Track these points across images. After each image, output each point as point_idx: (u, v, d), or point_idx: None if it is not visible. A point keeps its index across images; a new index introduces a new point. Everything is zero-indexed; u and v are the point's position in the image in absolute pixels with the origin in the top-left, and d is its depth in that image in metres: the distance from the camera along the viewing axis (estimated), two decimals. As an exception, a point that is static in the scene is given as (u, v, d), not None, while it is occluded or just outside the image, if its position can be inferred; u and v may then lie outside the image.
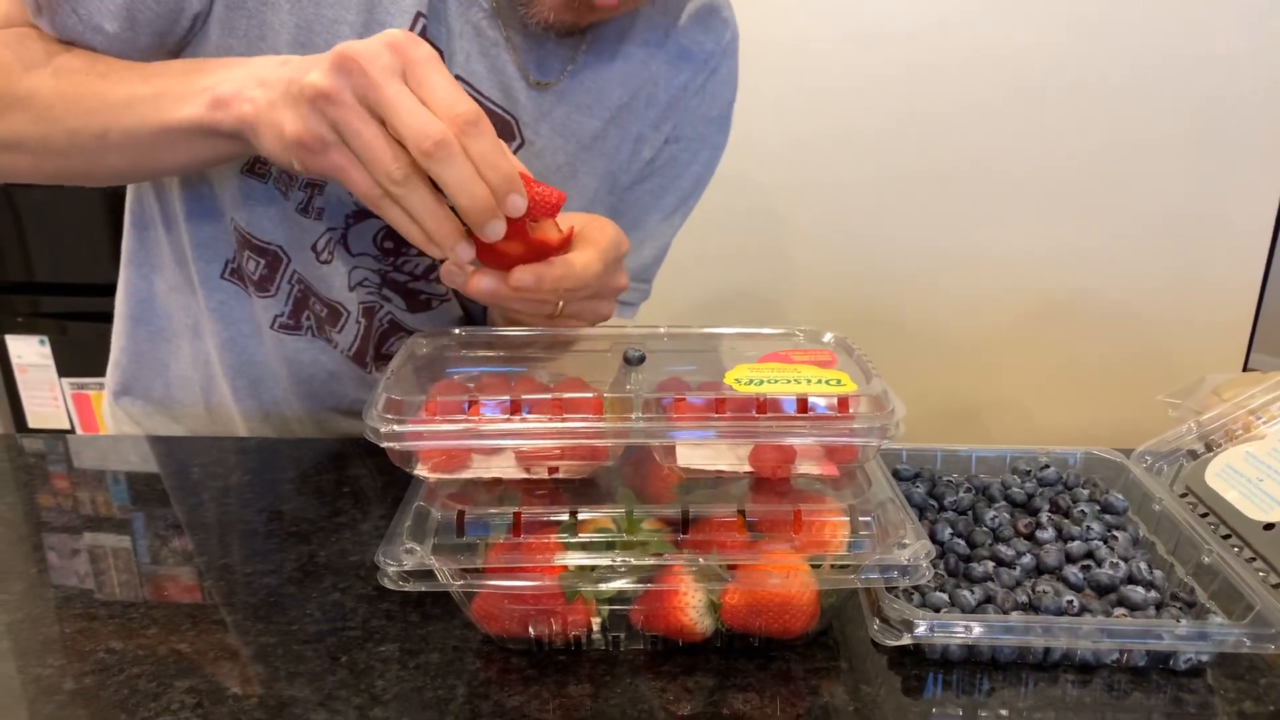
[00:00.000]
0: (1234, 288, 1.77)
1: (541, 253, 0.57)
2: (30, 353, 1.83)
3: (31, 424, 1.91)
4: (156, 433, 0.90)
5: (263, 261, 0.77)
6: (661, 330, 0.66)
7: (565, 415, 0.51)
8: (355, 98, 0.50)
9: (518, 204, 0.52)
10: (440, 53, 0.69)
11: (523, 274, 0.56)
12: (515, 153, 0.76)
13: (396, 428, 0.50)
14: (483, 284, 0.57)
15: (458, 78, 0.71)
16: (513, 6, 0.69)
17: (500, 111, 0.74)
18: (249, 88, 0.56)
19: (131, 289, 0.86)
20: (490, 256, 0.56)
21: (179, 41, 0.68)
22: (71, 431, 1.90)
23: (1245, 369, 1.82)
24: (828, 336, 0.64)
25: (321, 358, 0.83)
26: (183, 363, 0.87)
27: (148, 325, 0.86)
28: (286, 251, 0.77)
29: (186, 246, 0.79)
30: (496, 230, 0.53)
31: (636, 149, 0.81)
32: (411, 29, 0.67)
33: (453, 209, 0.53)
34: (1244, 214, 1.72)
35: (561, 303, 0.61)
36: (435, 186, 0.52)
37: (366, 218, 0.75)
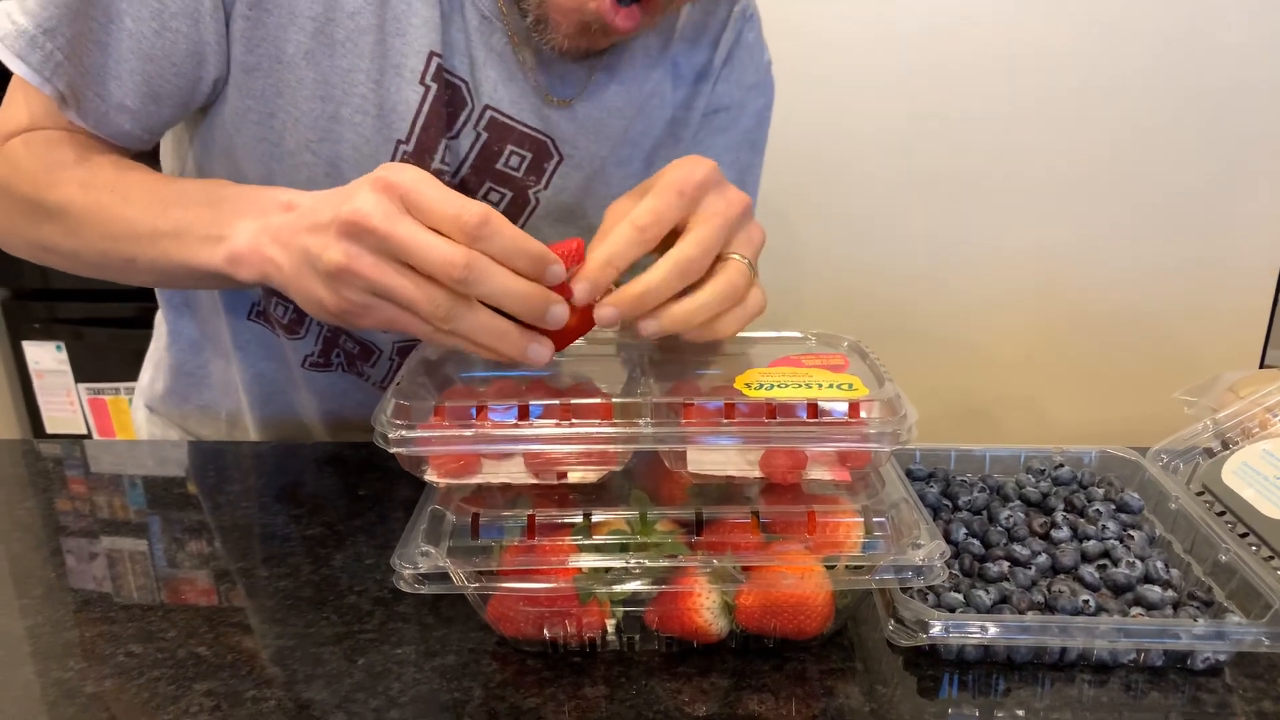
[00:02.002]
0: (1249, 284, 1.75)
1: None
2: (47, 359, 1.85)
3: (49, 429, 1.93)
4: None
5: (290, 306, 0.78)
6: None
7: (574, 420, 0.51)
8: (374, 256, 0.50)
9: (557, 273, 0.52)
10: (465, 85, 0.70)
11: (605, 310, 0.54)
12: (555, 169, 0.76)
13: (405, 433, 0.51)
14: (607, 316, 0.54)
15: (487, 106, 0.71)
16: (529, 31, 0.69)
17: (535, 133, 0.74)
18: (265, 245, 0.56)
19: (165, 319, 0.88)
20: (556, 335, 0.56)
21: (200, 107, 0.70)
22: (88, 436, 1.91)
23: (1262, 365, 1.81)
24: (841, 340, 0.64)
25: (352, 390, 0.84)
26: (213, 389, 0.88)
27: (179, 349, 0.88)
28: None
29: (213, 292, 0.81)
30: (558, 316, 0.52)
31: (671, 130, 0.81)
32: (425, 69, 0.68)
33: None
34: (1258, 209, 1.71)
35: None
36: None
37: None
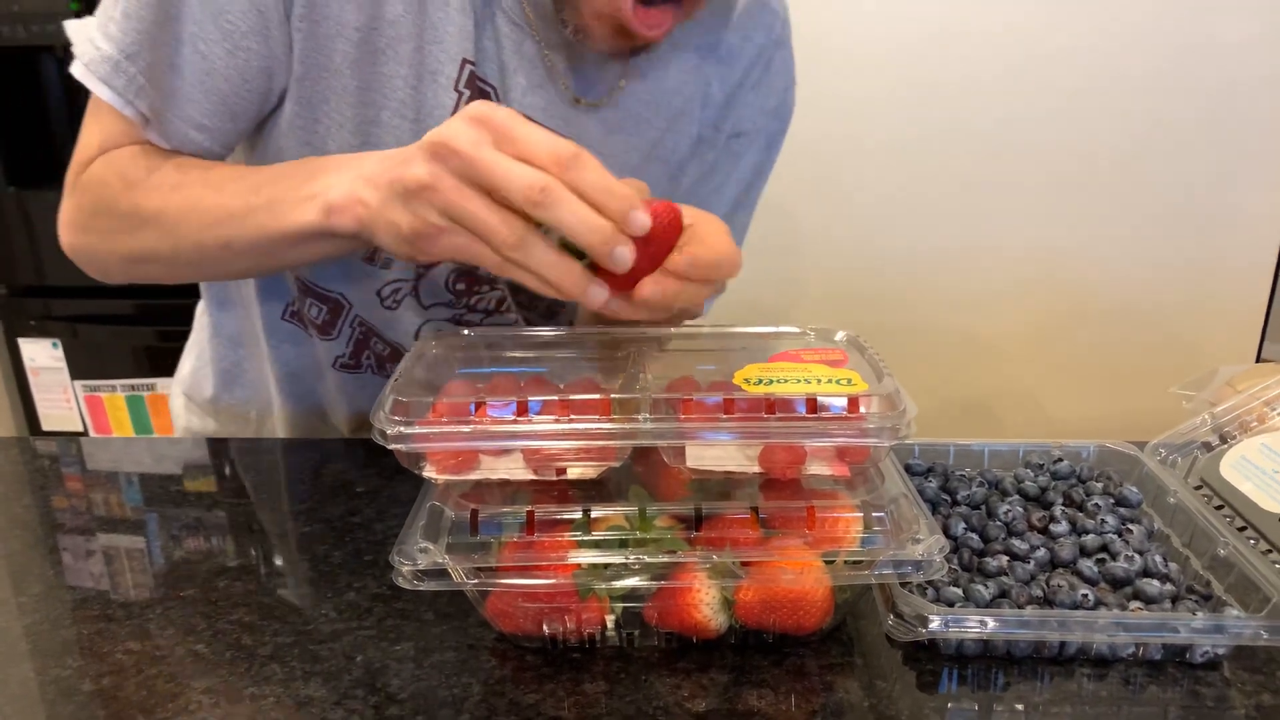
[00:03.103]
0: (1246, 278, 1.75)
1: (659, 261, 0.57)
2: (43, 356, 1.85)
3: (45, 426, 1.93)
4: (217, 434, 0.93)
5: (325, 308, 0.79)
6: (671, 329, 0.66)
7: (573, 416, 0.51)
8: (456, 178, 0.52)
9: (641, 219, 0.52)
10: (494, 91, 0.71)
11: (679, 259, 0.56)
12: None
13: (403, 429, 0.51)
14: (646, 291, 0.56)
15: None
16: (560, 35, 0.70)
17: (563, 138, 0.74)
18: (359, 188, 0.57)
19: (206, 312, 0.90)
20: (620, 283, 0.56)
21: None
22: (85, 433, 1.91)
23: (1259, 359, 1.81)
24: (839, 335, 0.64)
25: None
26: (245, 387, 0.90)
27: (218, 345, 0.89)
28: (349, 299, 0.79)
29: (251, 287, 0.82)
30: (624, 257, 0.52)
31: (697, 149, 0.81)
32: (459, 75, 0.69)
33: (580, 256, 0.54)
34: (1255, 204, 1.71)
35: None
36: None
37: (435, 264, 0.76)
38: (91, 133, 0.69)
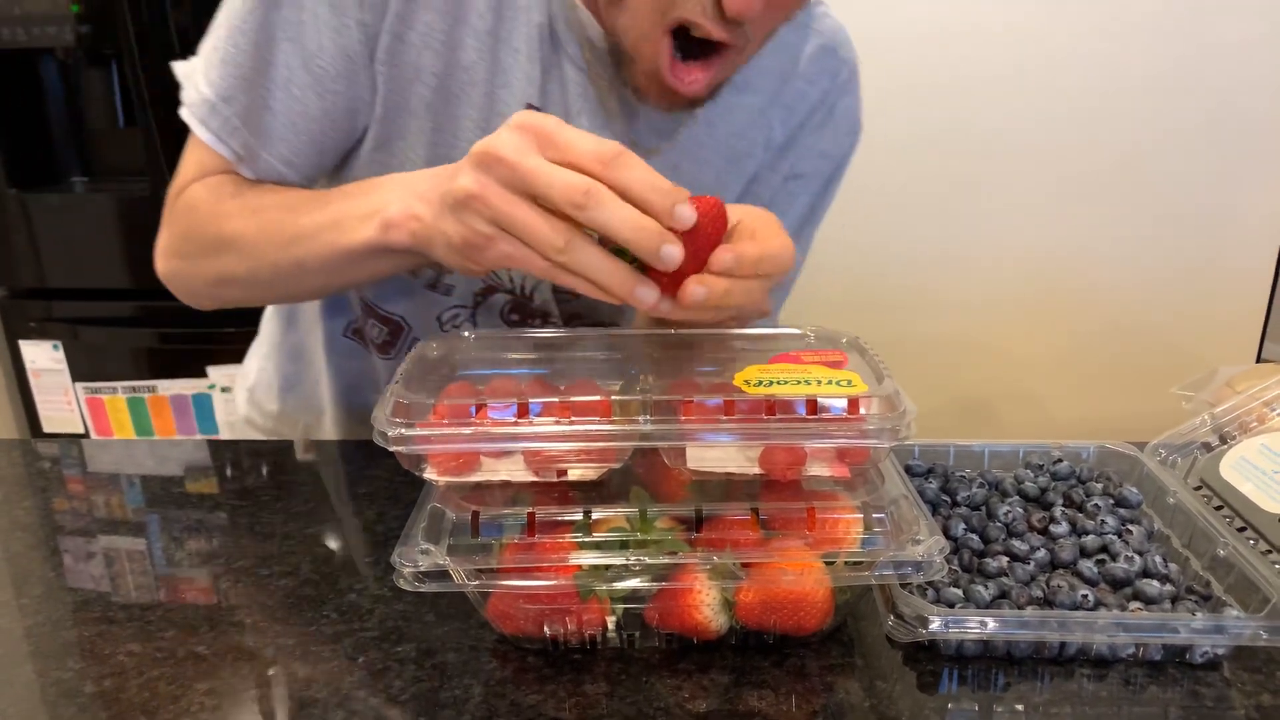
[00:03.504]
0: (1246, 278, 1.75)
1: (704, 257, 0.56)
2: (44, 358, 1.85)
3: (46, 429, 1.93)
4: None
5: (386, 329, 0.81)
6: (672, 330, 0.66)
7: (574, 418, 0.51)
8: (502, 187, 0.52)
9: (687, 213, 0.53)
10: None
11: (722, 254, 0.55)
12: None
13: (404, 431, 0.51)
14: (696, 294, 0.56)
15: None
16: (624, 85, 0.70)
17: None
18: (412, 204, 0.59)
19: (270, 325, 0.93)
20: (669, 283, 0.56)
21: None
22: (86, 435, 1.91)
23: (1259, 360, 1.81)
24: (840, 337, 0.64)
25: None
26: (300, 397, 0.92)
27: (281, 357, 0.92)
28: (409, 322, 0.81)
29: (315, 305, 0.85)
30: (672, 255, 0.52)
31: (751, 188, 0.82)
32: None
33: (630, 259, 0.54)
34: (1255, 205, 1.71)
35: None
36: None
37: (493, 293, 0.78)
38: (188, 163, 0.73)
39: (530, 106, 0.70)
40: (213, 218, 0.70)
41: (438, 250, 0.59)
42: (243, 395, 0.99)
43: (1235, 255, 1.74)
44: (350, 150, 0.74)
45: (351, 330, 0.85)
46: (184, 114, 0.71)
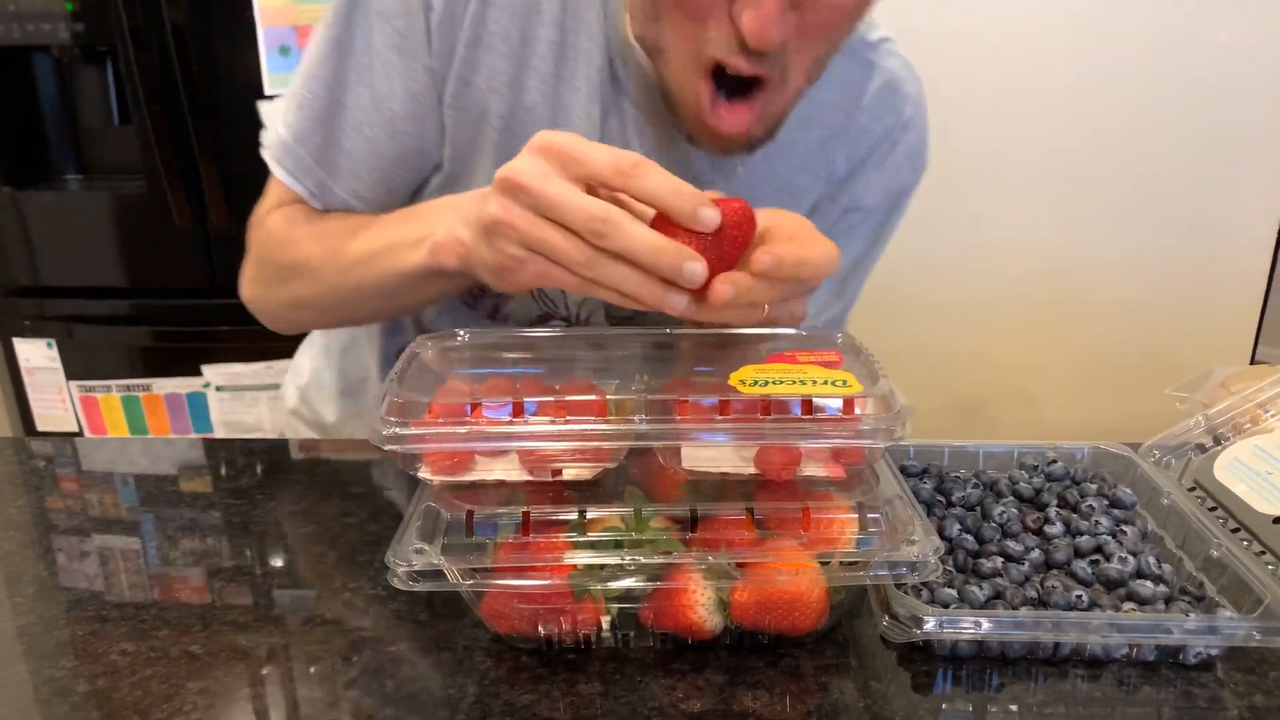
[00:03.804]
0: (1241, 280, 1.76)
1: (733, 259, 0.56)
2: (38, 356, 1.84)
3: (40, 427, 1.92)
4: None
5: None
6: (668, 331, 0.66)
7: (569, 417, 0.51)
8: (526, 210, 0.53)
9: (710, 215, 0.53)
10: None
11: (761, 256, 0.55)
12: None
13: (399, 430, 0.51)
14: (724, 292, 0.55)
15: None
16: (676, 128, 0.71)
17: None
18: (457, 228, 0.61)
19: (322, 338, 0.96)
20: (700, 287, 0.55)
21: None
22: (80, 434, 1.90)
23: (1253, 361, 1.82)
24: (836, 337, 0.64)
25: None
26: (360, 404, 0.93)
27: (336, 359, 0.94)
28: None
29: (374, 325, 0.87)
30: (695, 273, 0.53)
31: (811, 219, 0.81)
32: None
33: None
34: (1249, 205, 1.71)
35: (767, 306, 0.60)
36: None
37: (548, 320, 0.80)
38: (269, 195, 0.77)
39: None
40: (284, 245, 0.74)
41: (480, 273, 0.60)
42: (293, 391, 1.00)
43: (1229, 258, 1.74)
44: (419, 187, 0.77)
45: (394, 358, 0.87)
46: (264, 154, 0.75)
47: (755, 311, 0.58)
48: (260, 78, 1.60)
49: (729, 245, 0.55)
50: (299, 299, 0.75)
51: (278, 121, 0.74)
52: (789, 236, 0.59)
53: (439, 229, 0.63)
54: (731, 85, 0.64)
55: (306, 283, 0.73)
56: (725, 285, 0.55)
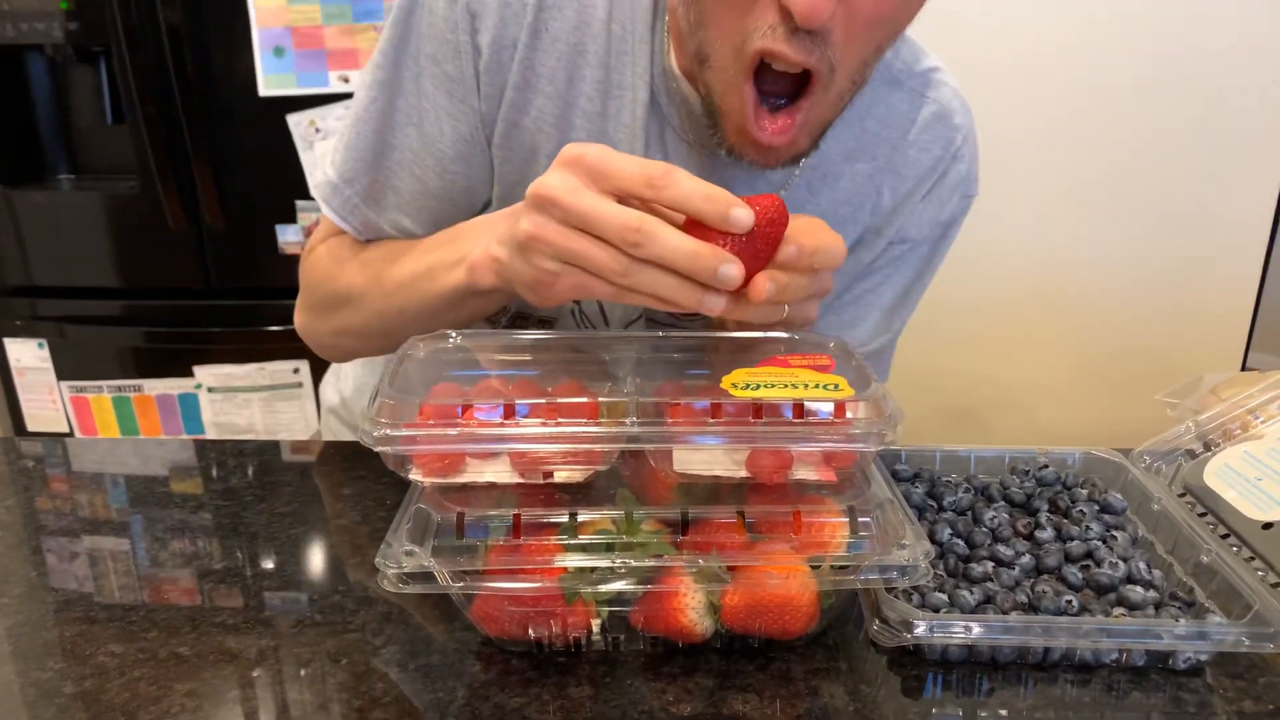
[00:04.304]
0: (1232, 286, 1.76)
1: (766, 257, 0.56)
2: (29, 356, 1.83)
3: (30, 427, 1.91)
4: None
5: None
6: (659, 333, 0.66)
7: (560, 419, 0.51)
8: (559, 224, 0.54)
9: (743, 216, 0.53)
10: None
11: (787, 248, 0.56)
12: None
13: (389, 432, 0.51)
14: (760, 287, 0.56)
15: None
16: (720, 145, 0.70)
17: None
18: (492, 247, 0.62)
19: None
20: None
21: None
22: (70, 434, 1.89)
23: (1244, 368, 1.82)
24: (828, 341, 0.64)
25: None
26: None
27: (374, 373, 0.94)
28: None
29: None
30: (730, 275, 0.53)
31: (854, 252, 0.81)
32: None
33: None
34: (1241, 212, 1.72)
35: (787, 307, 0.60)
36: None
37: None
38: (320, 227, 0.80)
39: None
40: (330, 275, 0.76)
41: (518, 289, 0.61)
42: (334, 394, 1.01)
43: (1221, 263, 1.75)
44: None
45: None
46: (313, 193, 0.79)
47: (779, 310, 0.59)
48: (255, 78, 1.59)
49: (763, 243, 0.55)
50: (346, 326, 0.77)
51: (325, 163, 0.76)
52: (801, 230, 0.59)
53: (475, 248, 0.64)
54: (776, 92, 0.63)
55: (353, 310, 0.75)
56: (768, 283, 0.55)
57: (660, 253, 0.52)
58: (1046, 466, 0.69)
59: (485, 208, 0.76)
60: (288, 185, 1.64)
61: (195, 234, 1.71)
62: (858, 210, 0.79)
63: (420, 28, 0.69)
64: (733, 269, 0.53)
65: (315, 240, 0.80)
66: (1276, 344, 2.56)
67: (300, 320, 0.81)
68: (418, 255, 0.71)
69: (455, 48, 0.69)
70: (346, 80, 1.58)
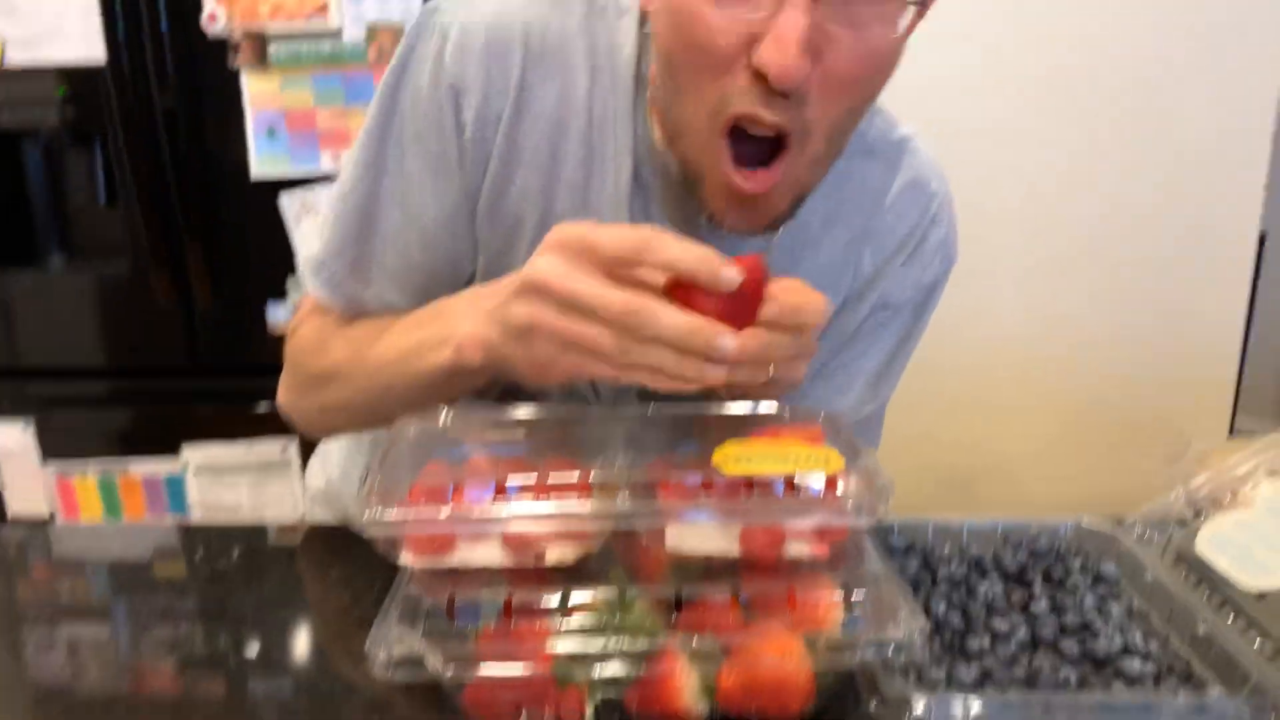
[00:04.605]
0: (1216, 348, 1.79)
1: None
2: (13, 438, 1.81)
3: (13, 509, 1.88)
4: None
5: None
6: (650, 408, 0.66)
7: (552, 498, 0.51)
8: (555, 310, 0.55)
9: (731, 275, 0.54)
10: None
11: (770, 306, 0.56)
12: None
13: (381, 513, 0.50)
14: (746, 342, 0.56)
15: None
16: (700, 213, 0.71)
17: None
18: (481, 327, 0.62)
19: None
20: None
21: None
22: (53, 519, 1.87)
23: (1231, 430, 1.83)
24: (816, 412, 0.64)
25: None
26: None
27: (362, 454, 0.93)
28: None
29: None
30: (727, 347, 0.53)
31: (837, 317, 0.81)
32: None
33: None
34: (1221, 274, 1.75)
35: (773, 366, 0.60)
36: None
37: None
38: (305, 303, 0.80)
39: None
40: (315, 353, 0.76)
41: (515, 371, 0.61)
42: (320, 476, 0.99)
43: (1203, 326, 1.77)
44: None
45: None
46: (300, 270, 0.78)
47: (764, 370, 0.58)
48: (248, 159, 1.62)
49: (747, 301, 0.56)
50: (331, 404, 0.76)
51: (313, 239, 0.77)
52: (782, 288, 0.59)
53: (461, 327, 0.64)
54: (752, 156, 0.64)
55: (338, 388, 0.75)
56: (750, 341, 0.55)
57: (658, 333, 0.53)
58: (1039, 537, 0.69)
59: (471, 278, 0.76)
60: (279, 263, 1.65)
61: (185, 312, 1.72)
62: (839, 277, 0.80)
63: (404, 108, 0.70)
64: (729, 342, 0.53)
65: (299, 319, 0.80)
66: (1263, 406, 2.58)
67: (284, 398, 0.81)
68: (402, 333, 0.71)
69: (439, 126, 0.70)
70: (339, 159, 1.60)
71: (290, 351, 0.79)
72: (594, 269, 0.54)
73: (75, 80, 1.64)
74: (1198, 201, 1.71)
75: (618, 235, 0.54)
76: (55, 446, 1.82)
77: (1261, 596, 0.60)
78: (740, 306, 0.55)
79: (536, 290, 0.55)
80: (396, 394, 0.70)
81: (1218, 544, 0.65)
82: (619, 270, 0.55)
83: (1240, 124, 1.69)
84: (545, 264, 0.55)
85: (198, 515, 1.83)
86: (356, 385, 0.73)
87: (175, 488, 1.81)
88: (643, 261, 0.54)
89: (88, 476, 1.81)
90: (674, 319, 0.53)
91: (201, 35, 1.59)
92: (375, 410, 0.74)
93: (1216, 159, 1.70)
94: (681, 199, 0.73)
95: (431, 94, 0.69)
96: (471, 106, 0.69)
